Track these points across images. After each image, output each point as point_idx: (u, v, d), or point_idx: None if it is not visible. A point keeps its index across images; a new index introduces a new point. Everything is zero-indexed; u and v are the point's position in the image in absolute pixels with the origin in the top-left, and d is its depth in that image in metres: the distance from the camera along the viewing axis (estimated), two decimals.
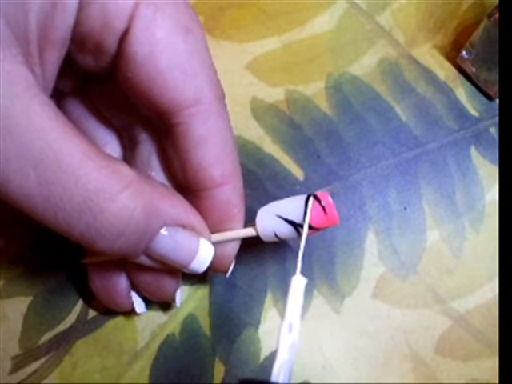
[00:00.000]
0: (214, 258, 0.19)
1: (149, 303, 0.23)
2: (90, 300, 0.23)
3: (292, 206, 0.19)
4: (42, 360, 0.23)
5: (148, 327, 0.23)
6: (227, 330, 0.23)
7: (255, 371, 0.23)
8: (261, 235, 0.20)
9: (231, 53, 0.27)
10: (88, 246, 0.17)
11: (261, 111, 0.26)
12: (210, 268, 0.20)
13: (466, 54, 0.26)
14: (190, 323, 0.23)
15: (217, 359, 0.23)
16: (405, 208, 0.25)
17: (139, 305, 0.22)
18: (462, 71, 0.27)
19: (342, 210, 0.25)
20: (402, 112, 0.26)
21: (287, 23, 0.28)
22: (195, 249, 0.19)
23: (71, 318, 0.23)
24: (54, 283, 0.24)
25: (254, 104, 0.26)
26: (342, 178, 0.25)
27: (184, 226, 0.18)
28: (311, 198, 0.18)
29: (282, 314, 0.23)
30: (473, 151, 0.26)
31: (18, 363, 0.23)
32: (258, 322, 0.23)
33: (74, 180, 0.15)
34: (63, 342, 0.23)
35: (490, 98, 0.26)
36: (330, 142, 0.26)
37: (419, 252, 0.24)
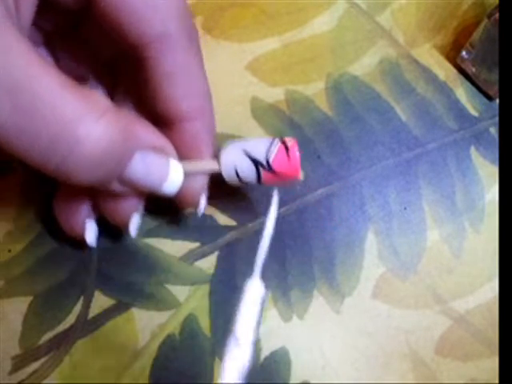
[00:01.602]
0: (181, 191, 0.20)
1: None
2: (90, 300, 0.23)
3: (258, 144, 0.19)
4: (42, 360, 0.23)
5: (148, 327, 0.23)
6: (227, 330, 0.23)
7: (255, 371, 0.23)
8: (222, 170, 0.20)
9: (231, 53, 0.27)
10: (64, 178, 0.16)
11: (261, 111, 0.26)
12: (179, 202, 0.21)
13: (466, 53, 0.26)
14: (190, 323, 0.23)
15: (217, 359, 0.23)
16: (405, 208, 0.25)
17: (90, 235, 0.22)
18: (462, 71, 0.27)
19: (342, 210, 0.25)
20: (402, 112, 0.26)
21: (287, 23, 0.28)
22: (166, 171, 0.19)
23: (71, 318, 0.23)
24: (54, 283, 0.24)
25: (254, 104, 0.26)
26: (342, 178, 0.25)
27: (155, 150, 0.19)
28: (277, 140, 0.19)
29: (282, 315, 0.23)
30: (473, 151, 0.26)
31: (18, 363, 0.23)
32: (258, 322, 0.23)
33: (51, 109, 0.15)
34: (63, 342, 0.23)
35: (489, 97, 0.26)
36: (329, 142, 0.26)
37: (419, 252, 0.24)
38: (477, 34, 0.25)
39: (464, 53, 0.26)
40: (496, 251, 0.24)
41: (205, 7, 0.28)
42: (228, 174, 0.20)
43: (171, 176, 0.19)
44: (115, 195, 0.20)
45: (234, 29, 0.28)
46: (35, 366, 0.23)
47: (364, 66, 0.27)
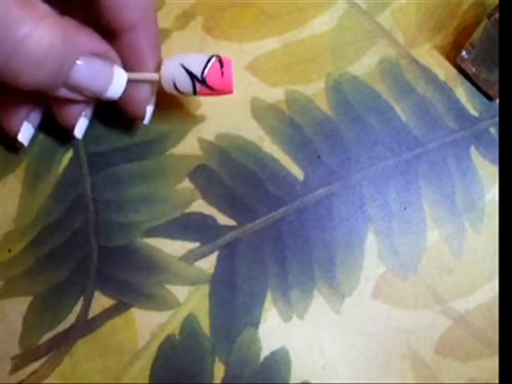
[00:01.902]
0: (127, 99, 0.22)
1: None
2: (90, 300, 0.23)
3: (196, 60, 0.21)
4: (42, 360, 0.23)
5: (148, 327, 0.23)
6: (227, 330, 0.23)
7: (255, 371, 0.23)
8: (162, 81, 0.22)
9: (231, 53, 0.27)
10: (11, 81, 0.18)
11: (261, 111, 0.26)
12: (127, 111, 0.23)
13: (466, 53, 0.26)
14: (190, 323, 0.23)
15: (217, 359, 0.23)
16: (405, 208, 0.25)
17: (24, 135, 0.23)
18: (462, 71, 0.27)
19: (342, 210, 0.25)
20: (401, 112, 0.26)
21: (287, 23, 0.28)
22: (110, 75, 0.21)
23: (71, 318, 0.23)
24: (54, 283, 0.24)
25: (254, 104, 0.26)
26: (342, 178, 0.25)
27: (98, 56, 0.20)
28: (214, 57, 0.21)
29: (282, 314, 0.23)
30: (473, 151, 0.26)
31: (18, 363, 0.23)
32: (258, 322, 0.23)
33: None
34: (63, 341, 0.23)
35: (489, 97, 0.26)
36: (330, 141, 0.26)
37: (419, 252, 0.24)
38: (477, 34, 0.25)
39: (464, 53, 0.26)
40: (496, 251, 0.24)
41: (205, 7, 0.28)
42: (167, 85, 0.22)
43: (115, 80, 0.21)
44: (64, 100, 0.21)
45: (234, 29, 0.28)
46: (35, 366, 0.23)
47: (364, 65, 0.27)
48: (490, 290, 0.24)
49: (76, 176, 0.25)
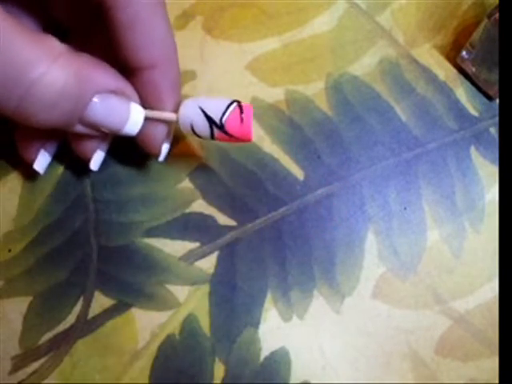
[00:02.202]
0: (144, 137, 0.22)
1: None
2: (90, 300, 0.23)
3: (215, 104, 0.20)
4: (42, 360, 0.23)
5: (148, 327, 0.23)
6: (227, 330, 0.23)
7: (255, 371, 0.23)
8: (179, 122, 0.21)
9: (231, 53, 0.27)
10: (24, 120, 0.18)
11: (261, 111, 0.26)
12: (142, 147, 0.22)
13: (466, 53, 0.26)
14: (190, 323, 0.23)
15: (217, 359, 0.23)
16: (405, 208, 0.25)
17: (40, 163, 0.23)
18: (462, 71, 0.27)
19: (342, 210, 0.25)
20: (401, 112, 0.26)
21: (287, 23, 0.28)
22: (127, 112, 0.20)
23: (71, 318, 0.23)
24: (54, 283, 0.24)
25: (254, 104, 0.26)
26: (342, 178, 0.25)
27: (115, 92, 0.20)
28: (235, 103, 0.20)
29: (282, 315, 0.23)
30: (473, 151, 0.26)
31: (18, 363, 0.23)
32: (258, 322, 0.23)
33: (6, 53, 0.16)
34: (63, 341, 0.23)
35: (489, 97, 0.26)
36: (329, 142, 0.26)
37: (419, 252, 0.24)
38: (477, 34, 0.25)
39: (464, 53, 0.26)
40: (496, 251, 0.24)
41: (205, 7, 0.28)
42: (184, 127, 0.21)
43: (132, 117, 0.20)
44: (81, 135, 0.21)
45: (234, 29, 0.28)
46: (35, 366, 0.23)
47: (364, 65, 0.27)
48: (490, 290, 0.24)
49: (76, 176, 0.25)
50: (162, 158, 0.23)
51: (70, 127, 0.20)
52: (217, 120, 0.20)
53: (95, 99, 0.19)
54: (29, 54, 0.17)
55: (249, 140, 0.20)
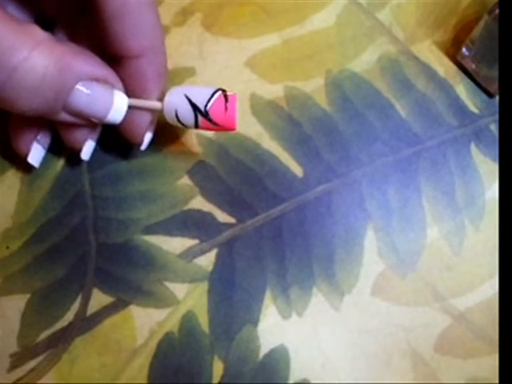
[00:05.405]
0: (127, 125, 0.22)
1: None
2: (89, 297, 0.23)
3: (200, 92, 0.20)
4: (40, 358, 0.23)
5: (147, 325, 0.23)
6: (226, 328, 0.23)
7: (254, 369, 0.23)
8: (164, 110, 0.21)
9: (230, 49, 0.27)
10: (9, 107, 0.18)
11: (260, 108, 0.26)
12: (125, 136, 0.22)
13: (466, 50, 0.26)
14: (188, 321, 0.23)
15: (216, 357, 0.23)
16: (404, 205, 0.25)
17: (34, 156, 0.23)
18: (462, 68, 0.27)
19: (341, 207, 0.25)
20: (401, 109, 0.26)
21: (287, 20, 0.28)
22: (110, 100, 0.20)
23: (69, 316, 0.23)
24: (52, 280, 0.24)
25: (253, 100, 0.26)
26: (341, 175, 0.25)
27: (98, 80, 0.20)
28: (219, 91, 0.20)
29: (282, 312, 0.23)
30: (473, 148, 0.26)
31: (16, 361, 0.23)
32: (257, 320, 0.23)
33: None
34: (61, 339, 0.23)
35: (490, 94, 0.26)
36: (329, 138, 0.26)
37: (419, 249, 0.24)
38: (477, 31, 0.25)
39: (464, 49, 0.26)
40: (496, 248, 0.24)
41: (204, 4, 0.28)
42: (169, 115, 0.21)
43: (116, 105, 0.20)
44: (70, 124, 0.21)
45: (233, 25, 0.27)
46: (33, 363, 0.23)
47: (364, 62, 0.27)
48: (490, 288, 0.24)
49: (75, 173, 0.25)
50: (143, 147, 0.23)
51: (54, 115, 0.20)
52: (201, 107, 0.20)
53: (78, 86, 0.19)
54: (11, 40, 0.17)
55: (233, 129, 0.21)
